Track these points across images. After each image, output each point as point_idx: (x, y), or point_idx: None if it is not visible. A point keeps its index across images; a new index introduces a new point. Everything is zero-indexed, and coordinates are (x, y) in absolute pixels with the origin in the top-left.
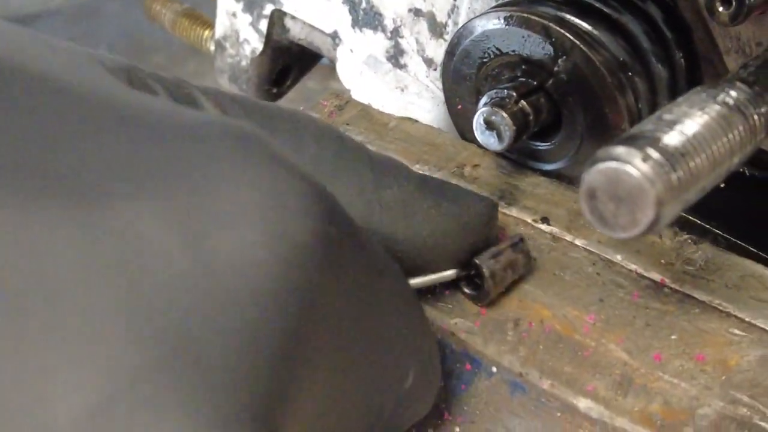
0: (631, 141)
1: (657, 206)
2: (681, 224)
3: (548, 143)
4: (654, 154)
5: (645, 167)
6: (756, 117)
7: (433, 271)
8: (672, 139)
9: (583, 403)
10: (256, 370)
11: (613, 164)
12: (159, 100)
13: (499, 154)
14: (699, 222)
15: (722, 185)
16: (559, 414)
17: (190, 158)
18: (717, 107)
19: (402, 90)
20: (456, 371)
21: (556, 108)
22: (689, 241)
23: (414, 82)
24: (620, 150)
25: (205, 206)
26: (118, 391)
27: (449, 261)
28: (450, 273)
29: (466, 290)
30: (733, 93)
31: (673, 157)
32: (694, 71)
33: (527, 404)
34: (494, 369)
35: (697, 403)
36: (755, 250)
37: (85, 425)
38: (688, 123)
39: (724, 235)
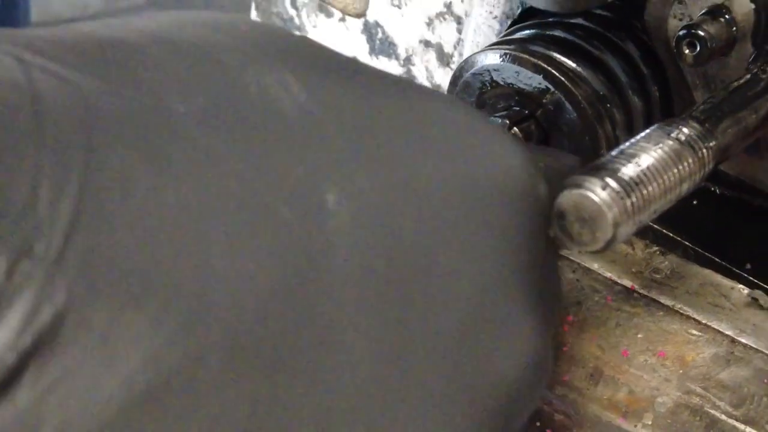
0: (594, 171)
1: (613, 227)
2: (655, 236)
3: None
4: (612, 183)
5: (604, 194)
6: (704, 151)
7: None
8: (629, 170)
9: (557, 392)
10: None
11: (578, 191)
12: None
13: None
14: (671, 234)
15: (694, 201)
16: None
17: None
18: (670, 142)
19: None
20: None
21: (545, 134)
22: (658, 252)
23: None
24: (584, 179)
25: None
26: None
27: None
28: None
29: None
30: (685, 130)
31: (628, 186)
32: (668, 103)
33: None
34: None
35: (657, 392)
36: (719, 260)
37: None
38: (643, 156)
39: (693, 246)
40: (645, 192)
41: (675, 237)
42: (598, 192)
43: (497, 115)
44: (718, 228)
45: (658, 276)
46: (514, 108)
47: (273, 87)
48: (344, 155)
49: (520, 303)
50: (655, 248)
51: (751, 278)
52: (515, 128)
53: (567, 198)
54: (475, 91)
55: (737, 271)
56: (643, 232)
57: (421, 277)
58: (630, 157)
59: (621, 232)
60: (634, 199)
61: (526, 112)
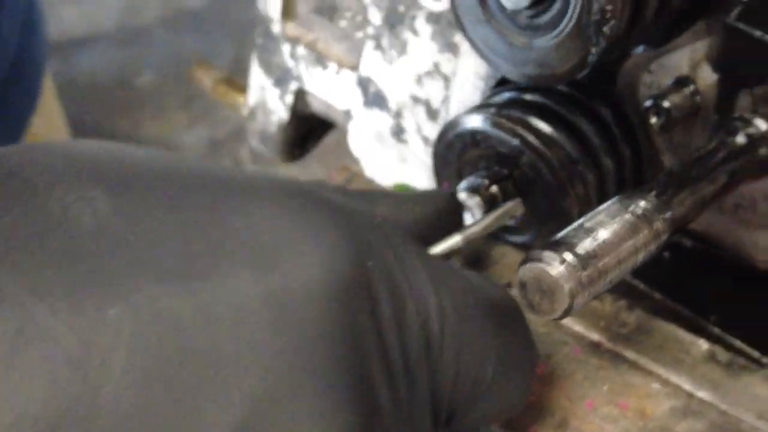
0: (554, 246)
1: (570, 298)
2: (628, 288)
3: (516, 220)
4: (569, 257)
5: (561, 268)
6: (659, 223)
7: None
8: (585, 244)
9: None
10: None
11: (538, 264)
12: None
13: None
14: (642, 287)
15: (665, 254)
16: None
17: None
18: (626, 216)
19: (403, 161)
20: None
21: (522, 193)
22: (625, 306)
23: (413, 156)
24: (544, 253)
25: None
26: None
27: None
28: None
29: None
30: (641, 203)
31: (584, 259)
32: (639, 164)
33: None
34: None
35: None
36: (690, 312)
37: None
38: (600, 230)
39: (663, 298)
40: (600, 264)
41: (645, 290)
42: (555, 266)
43: (477, 174)
44: (687, 281)
45: (624, 330)
46: (494, 168)
47: (75, 204)
48: (135, 269)
49: (317, 399)
50: (623, 302)
51: (714, 329)
52: (493, 187)
53: (527, 271)
54: (457, 150)
55: (703, 322)
56: (616, 285)
57: (207, 385)
58: (588, 231)
59: (577, 302)
60: (589, 272)
61: (505, 172)
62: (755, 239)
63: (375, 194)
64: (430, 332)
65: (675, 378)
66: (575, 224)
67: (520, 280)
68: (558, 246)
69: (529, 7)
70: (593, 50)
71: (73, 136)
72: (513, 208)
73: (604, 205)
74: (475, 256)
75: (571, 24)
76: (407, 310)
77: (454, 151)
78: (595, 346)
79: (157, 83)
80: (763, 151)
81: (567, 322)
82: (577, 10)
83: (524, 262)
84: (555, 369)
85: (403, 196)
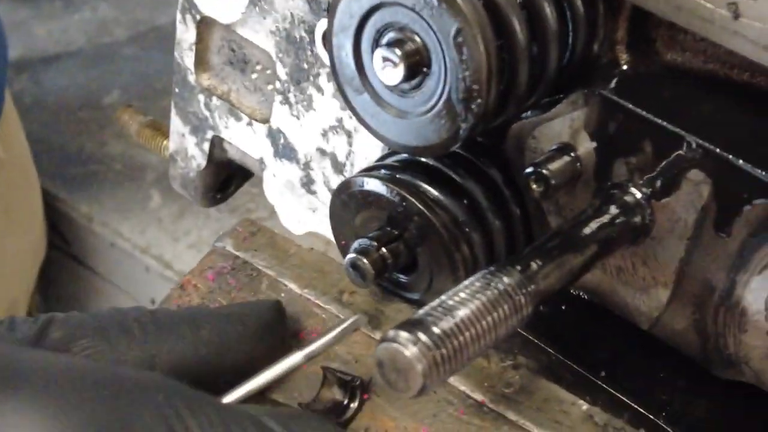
0: (410, 326)
1: (423, 378)
2: (521, 342)
3: (409, 278)
4: (423, 337)
5: (414, 349)
6: (521, 297)
7: None
8: (443, 323)
9: None
10: None
11: (392, 345)
12: None
13: (373, 284)
14: (535, 340)
15: (562, 307)
16: None
17: None
18: (488, 292)
19: (314, 211)
20: None
21: (412, 254)
22: (511, 366)
23: (322, 206)
24: (399, 334)
25: None
26: None
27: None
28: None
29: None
30: (505, 279)
31: (439, 339)
32: (528, 224)
33: None
34: None
35: None
36: (576, 367)
37: None
38: (460, 308)
39: (555, 352)
40: (456, 342)
41: (538, 343)
42: (409, 347)
43: (368, 236)
44: (581, 335)
45: (508, 390)
46: (386, 228)
47: None
48: None
49: None
50: (509, 362)
51: (602, 385)
52: (383, 249)
53: (383, 351)
54: (352, 209)
55: (591, 378)
56: (511, 339)
57: None
58: (447, 309)
59: (431, 381)
60: (444, 351)
61: (396, 233)
62: (636, 301)
63: (200, 317)
64: None
65: None
66: (435, 302)
67: (377, 359)
68: (413, 326)
69: (402, 83)
70: (463, 126)
71: (37, 155)
72: (355, 323)
73: (468, 281)
74: (371, 313)
75: (442, 101)
76: None
77: (348, 211)
78: (478, 406)
79: (124, 102)
80: (636, 219)
81: (453, 380)
82: (447, 89)
83: (381, 341)
84: (438, 429)
85: (228, 314)
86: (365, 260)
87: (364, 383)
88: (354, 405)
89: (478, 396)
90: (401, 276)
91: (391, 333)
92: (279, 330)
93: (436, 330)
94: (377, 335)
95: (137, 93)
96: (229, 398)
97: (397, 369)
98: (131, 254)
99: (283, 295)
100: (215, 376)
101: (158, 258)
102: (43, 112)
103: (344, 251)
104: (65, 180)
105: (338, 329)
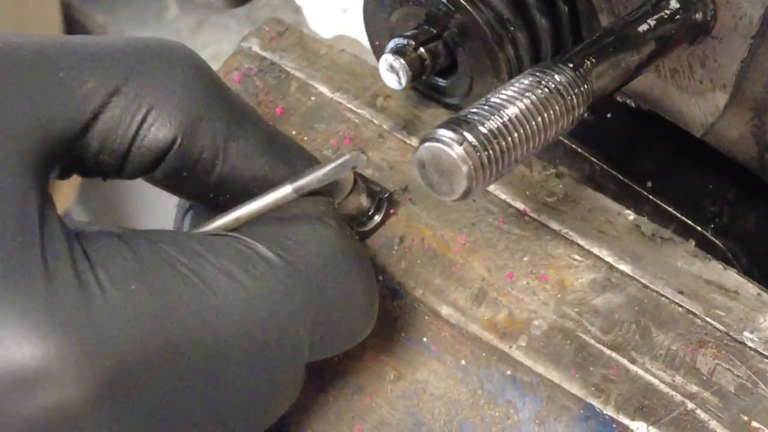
0: (454, 124)
1: (468, 180)
2: (565, 150)
3: (447, 81)
4: (469, 137)
5: (459, 149)
6: (573, 97)
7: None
8: (490, 122)
9: (445, 310)
10: None
11: (436, 144)
12: None
13: (409, 87)
14: (579, 149)
15: (608, 115)
16: (426, 318)
17: None
18: (538, 91)
19: (344, 11)
20: None
21: (452, 54)
22: (554, 174)
23: (354, 5)
24: (443, 132)
25: None
26: None
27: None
28: (285, 189)
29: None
30: (556, 77)
31: (486, 139)
32: (577, 24)
33: (404, 307)
34: (381, 277)
35: (535, 315)
36: (621, 177)
37: None
38: (509, 106)
39: (599, 162)
40: (504, 143)
41: (582, 152)
42: (454, 147)
43: (404, 35)
44: (627, 144)
45: (550, 200)
46: (424, 27)
47: None
48: None
49: None
50: (552, 170)
51: (648, 196)
52: (421, 49)
53: (425, 151)
54: (387, 6)
55: (637, 188)
56: (553, 148)
57: None
58: (495, 107)
59: (477, 184)
60: (491, 152)
61: (435, 32)
62: (691, 106)
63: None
64: None
65: (597, 250)
66: (482, 100)
67: (418, 160)
68: (459, 125)
69: None
70: None
71: None
72: (352, 160)
73: (515, 79)
74: (407, 118)
75: None
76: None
77: (384, 9)
78: (519, 216)
79: None
80: (698, 16)
81: (493, 188)
82: None
83: (423, 140)
84: (477, 238)
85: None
86: (402, 60)
87: (393, 198)
88: (378, 218)
89: (519, 205)
90: (439, 79)
91: (435, 132)
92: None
93: (483, 129)
94: (413, 141)
95: None
96: (215, 226)
97: (440, 170)
98: None
99: (313, 98)
100: None
101: None
102: None
103: (378, 52)
104: None
105: (334, 164)
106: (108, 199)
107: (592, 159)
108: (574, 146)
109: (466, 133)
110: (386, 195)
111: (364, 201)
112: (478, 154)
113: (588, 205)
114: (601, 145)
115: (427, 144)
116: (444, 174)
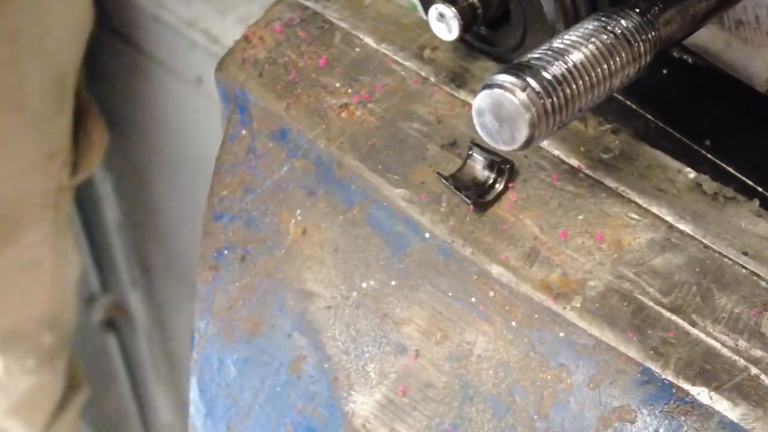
0: (516, 70)
1: (531, 128)
2: (619, 106)
3: (499, 33)
4: (533, 83)
5: (522, 96)
6: (641, 44)
7: None
8: (553, 68)
9: (495, 270)
10: None
11: (497, 91)
12: None
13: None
14: (633, 106)
15: (664, 71)
16: (476, 277)
17: None
18: (604, 36)
19: None
20: (395, 234)
21: (504, 2)
22: (610, 130)
23: None
24: (504, 78)
25: None
26: None
27: None
28: None
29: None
30: (623, 22)
31: (550, 85)
32: None
33: (452, 266)
34: (427, 235)
35: (590, 276)
36: (678, 135)
37: None
38: (573, 52)
39: (654, 119)
40: (569, 91)
41: (637, 109)
42: (517, 93)
43: None
44: (684, 101)
45: (606, 156)
46: None
47: None
48: None
49: None
50: (608, 126)
51: (706, 155)
52: None
53: (485, 97)
54: None
55: (695, 147)
56: (605, 104)
57: None
58: (558, 53)
59: (539, 133)
60: (555, 99)
61: None
62: (756, 59)
63: None
64: None
65: (656, 208)
66: (544, 45)
67: (477, 107)
68: (522, 70)
69: None
70: None
71: None
72: None
73: (580, 24)
74: (455, 71)
75: None
76: None
77: None
78: (573, 173)
79: None
80: None
81: (546, 145)
82: None
83: (483, 87)
84: (529, 195)
85: None
86: (453, 9)
87: (515, 169)
88: (499, 187)
89: (574, 161)
90: (489, 30)
91: (497, 77)
92: None
93: (546, 75)
94: (461, 94)
95: None
96: None
97: (501, 118)
98: (175, 28)
99: (357, 50)
100: None
101: (205, 32)
102: None
103: (426, 2)
104: None
105: None
106: (132, 164)
107: (647, 116)
108: (628, 102)
109: (529, 79)
110: (507, 166)
111: (479, 173)
112: (542, 101)
113: (645, 162)
114: (656, 102)
115: (487, 90)
116: (505, 122)
